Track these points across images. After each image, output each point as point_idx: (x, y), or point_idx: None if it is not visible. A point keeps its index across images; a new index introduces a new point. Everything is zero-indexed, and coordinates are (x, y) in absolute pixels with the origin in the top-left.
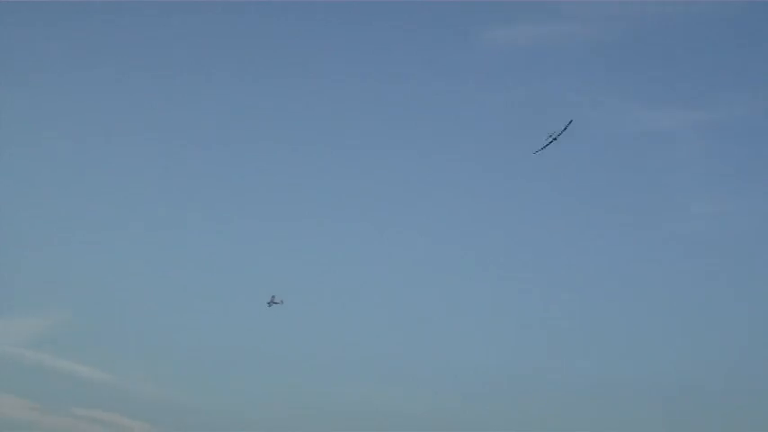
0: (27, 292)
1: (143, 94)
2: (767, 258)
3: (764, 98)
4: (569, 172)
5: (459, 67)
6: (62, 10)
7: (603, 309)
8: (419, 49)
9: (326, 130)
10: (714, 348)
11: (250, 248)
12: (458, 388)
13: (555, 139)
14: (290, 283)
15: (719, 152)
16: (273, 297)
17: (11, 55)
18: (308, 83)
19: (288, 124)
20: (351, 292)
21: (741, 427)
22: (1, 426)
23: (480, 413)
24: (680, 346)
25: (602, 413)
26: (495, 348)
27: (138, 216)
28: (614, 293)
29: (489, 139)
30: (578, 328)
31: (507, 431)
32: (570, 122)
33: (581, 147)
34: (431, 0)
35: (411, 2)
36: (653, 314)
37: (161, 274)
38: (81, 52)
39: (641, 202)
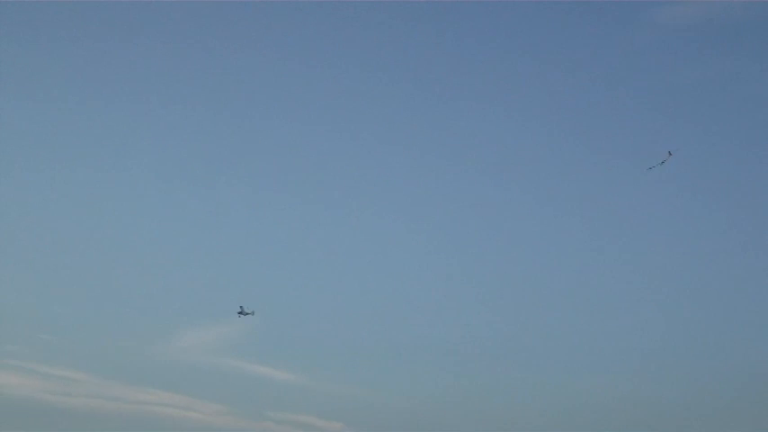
0: (219, 301)
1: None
2: None
3: None
4: None
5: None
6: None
7: None
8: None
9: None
10: None
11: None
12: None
13: (663, 162)
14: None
15: None
16: (243, 308)
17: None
18: None
19: None
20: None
21: None
22: (199, 431)
23: None
24: None
25: None
26: None
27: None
28: None
29: None
30: None
31: None
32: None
33: None
34: None
35: None
36: None
37: (342, 276)
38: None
39: None
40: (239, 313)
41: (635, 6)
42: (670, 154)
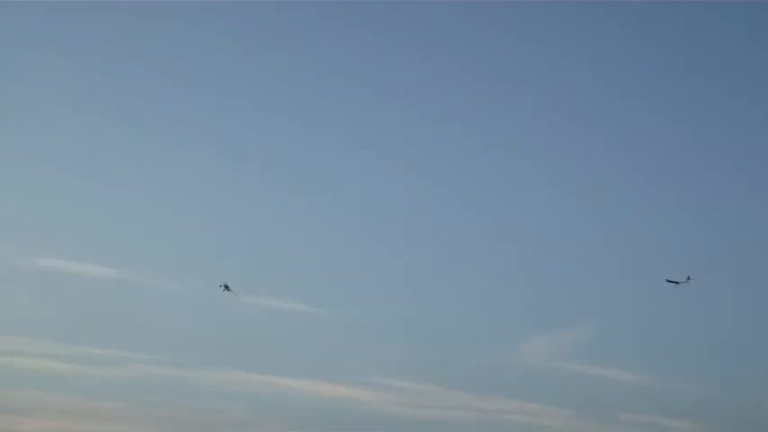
0: (560, 305)
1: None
2: None
3: None
4: None
5: None
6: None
7: None
8: None
9: None
10: None
11: None
12: None
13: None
14: None
15: None
16: (227, 285)
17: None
18: None
19: None
20: None
21: None
22: None
23: None
24: None
25: None
26: None
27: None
28: None
29: None
30: None
31: None
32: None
33: None
34: None
35: None
36: None
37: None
38: None
39: None
40: (224, 287)
41: None
42: (689, 279)
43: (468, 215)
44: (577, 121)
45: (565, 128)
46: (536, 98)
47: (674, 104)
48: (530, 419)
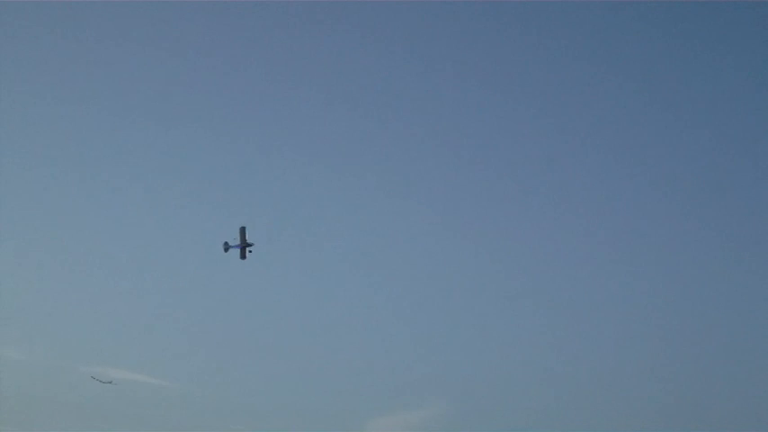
0: (405, 388)
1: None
2: None
3: None
4: None
5: None
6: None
7: None
8: None
9: None
10: None
11: None
12: None
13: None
14: None
15: None
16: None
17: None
18: None
19: None
20: None
21: None
22: None
23: None
24: None
25: None
26: None
27: None
28: None
29: None
30: None
31: None
32: None
33: None
34: None
35: None
36: None
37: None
38: None
39: None
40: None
41: None
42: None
43: (323, 288)
44: None
45: None
46: None
47: None
48: None
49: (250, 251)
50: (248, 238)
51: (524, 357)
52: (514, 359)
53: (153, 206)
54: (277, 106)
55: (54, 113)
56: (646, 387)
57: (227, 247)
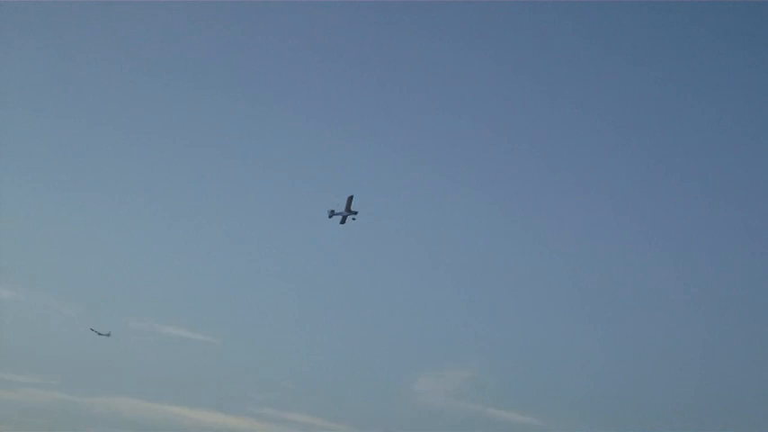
0: (454, 345)
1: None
2: None
3: None
4: None
5: None
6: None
7: None
8: None
9: None
10: None
11: None
12: None
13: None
14: None
15: None
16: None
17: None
18: None
19: None
20: None
21: None
22: None
23: None
24: None
25: None
26: None
27: None
28: None
29: None
30: None
31: None
32: None
33: None
34: None
35: None
36: None
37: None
38: None
39: None
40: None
41: None
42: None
43: (373, 249)
44: None
45: None
46: None
47: None
48: None
49: (353, 219)
50: (354, 208)
51: (566, 325)
52: (556, 327)
53: None
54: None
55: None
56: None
57: (331, 214)
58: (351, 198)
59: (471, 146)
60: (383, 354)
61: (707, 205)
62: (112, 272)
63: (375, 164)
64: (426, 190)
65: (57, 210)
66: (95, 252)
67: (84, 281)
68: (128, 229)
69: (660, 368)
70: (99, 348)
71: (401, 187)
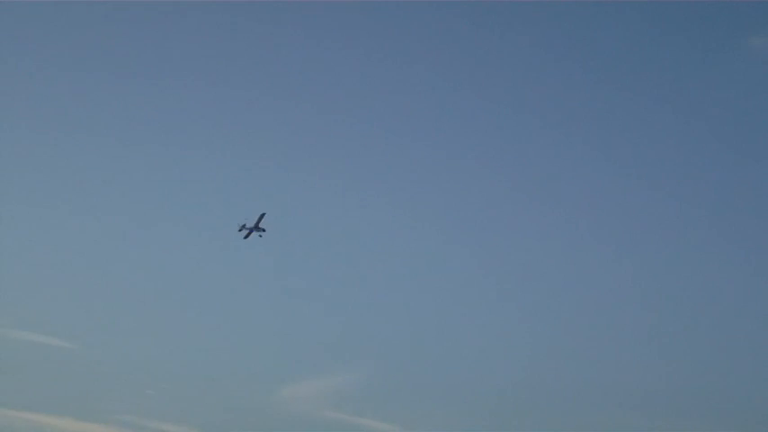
0: (323, 352)
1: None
2: None
3: None
4: None
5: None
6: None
7: None
8: None
9: None
10: None
11: None
12: None
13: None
14: None
15: None
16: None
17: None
18: None
19: None
20: None
21: None
22: None
23: None
24: None
25: None
26: None
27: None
28: None
29: None
30: None
31: None
32: None
33: None
34: None
35: None
36: None
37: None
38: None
39: None
40: (246, 230)
41: None
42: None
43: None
44: None
45: None
46: None
47: None
48: None
49: (260, 236)
50: (263, 225)
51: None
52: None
53: None
54: None
55: None
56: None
57: (241, 228)
58: (263, 215)
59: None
60: (251, 361)
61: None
62: None
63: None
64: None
65: None
66: None
67: None
68: None
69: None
70: None
71: None
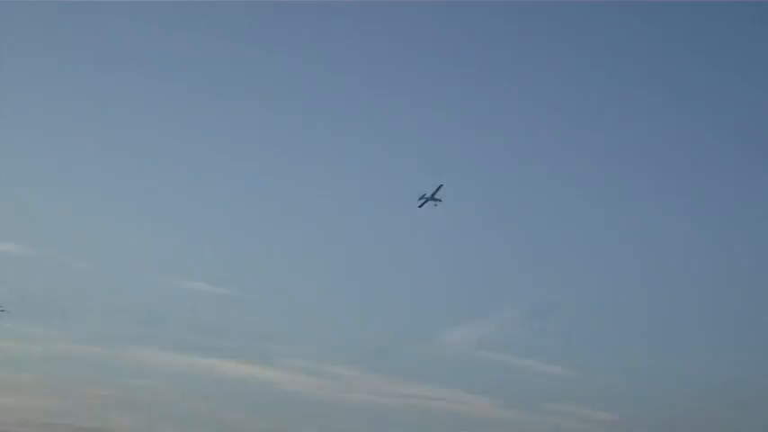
0: (477, 300)
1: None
2: None
3: None
4: None
5: None
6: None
7: None
8: None
9: None
10: None
11: None
12: None
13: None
14: None
15: None
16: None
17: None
18: None
19: None
20: None
21: None
22: (473, 424)
23: None
24: None
25: None
26: None
27: None
28: None
29: None
30: None
31: None
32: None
33: None
34: None
35: None
36: None
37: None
38: None
39: None
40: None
41: None
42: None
43: (391, 210)
44: None
45: None
46: None
47: None
48: (453, 406)
49: (435, 205)
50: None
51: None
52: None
53: None
54: None
55: None
56: None
57: (421, 197)
58: (440, 186)
59: None
60: (416, 307)
61: None
62: (144, 232)
63: None
64: None
65: None
66: None
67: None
68: None
69: None
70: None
71: None
